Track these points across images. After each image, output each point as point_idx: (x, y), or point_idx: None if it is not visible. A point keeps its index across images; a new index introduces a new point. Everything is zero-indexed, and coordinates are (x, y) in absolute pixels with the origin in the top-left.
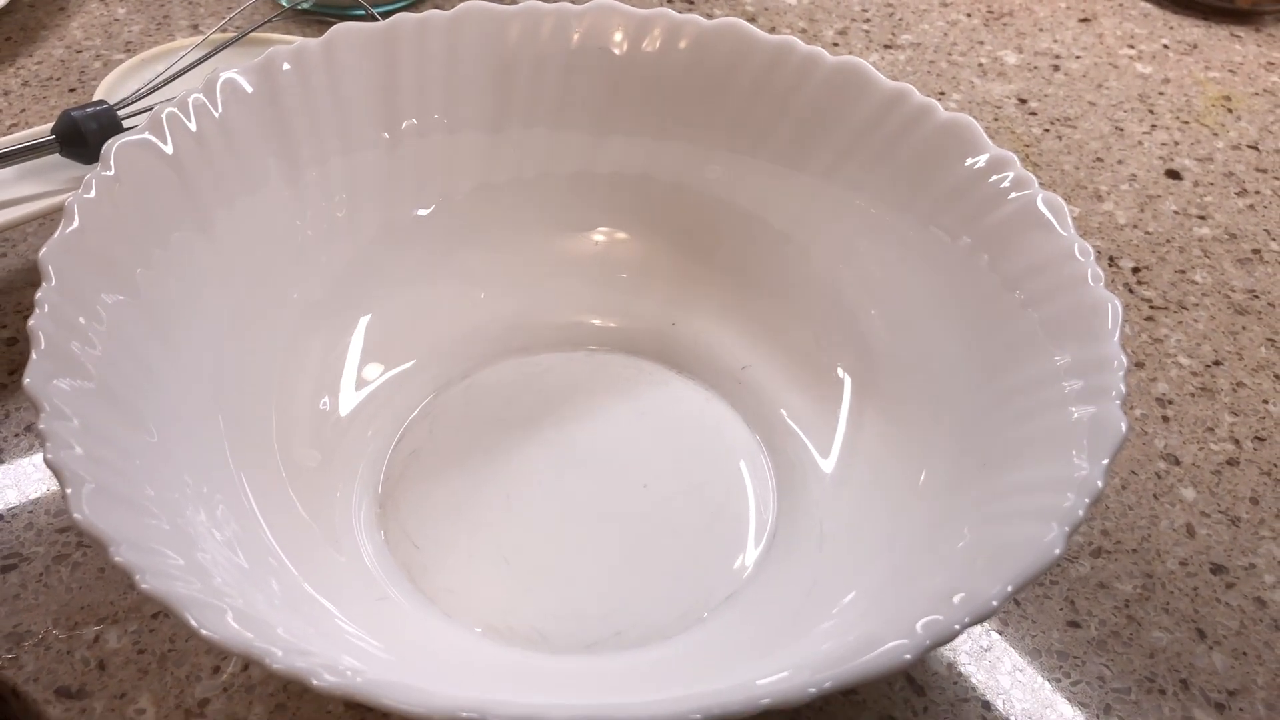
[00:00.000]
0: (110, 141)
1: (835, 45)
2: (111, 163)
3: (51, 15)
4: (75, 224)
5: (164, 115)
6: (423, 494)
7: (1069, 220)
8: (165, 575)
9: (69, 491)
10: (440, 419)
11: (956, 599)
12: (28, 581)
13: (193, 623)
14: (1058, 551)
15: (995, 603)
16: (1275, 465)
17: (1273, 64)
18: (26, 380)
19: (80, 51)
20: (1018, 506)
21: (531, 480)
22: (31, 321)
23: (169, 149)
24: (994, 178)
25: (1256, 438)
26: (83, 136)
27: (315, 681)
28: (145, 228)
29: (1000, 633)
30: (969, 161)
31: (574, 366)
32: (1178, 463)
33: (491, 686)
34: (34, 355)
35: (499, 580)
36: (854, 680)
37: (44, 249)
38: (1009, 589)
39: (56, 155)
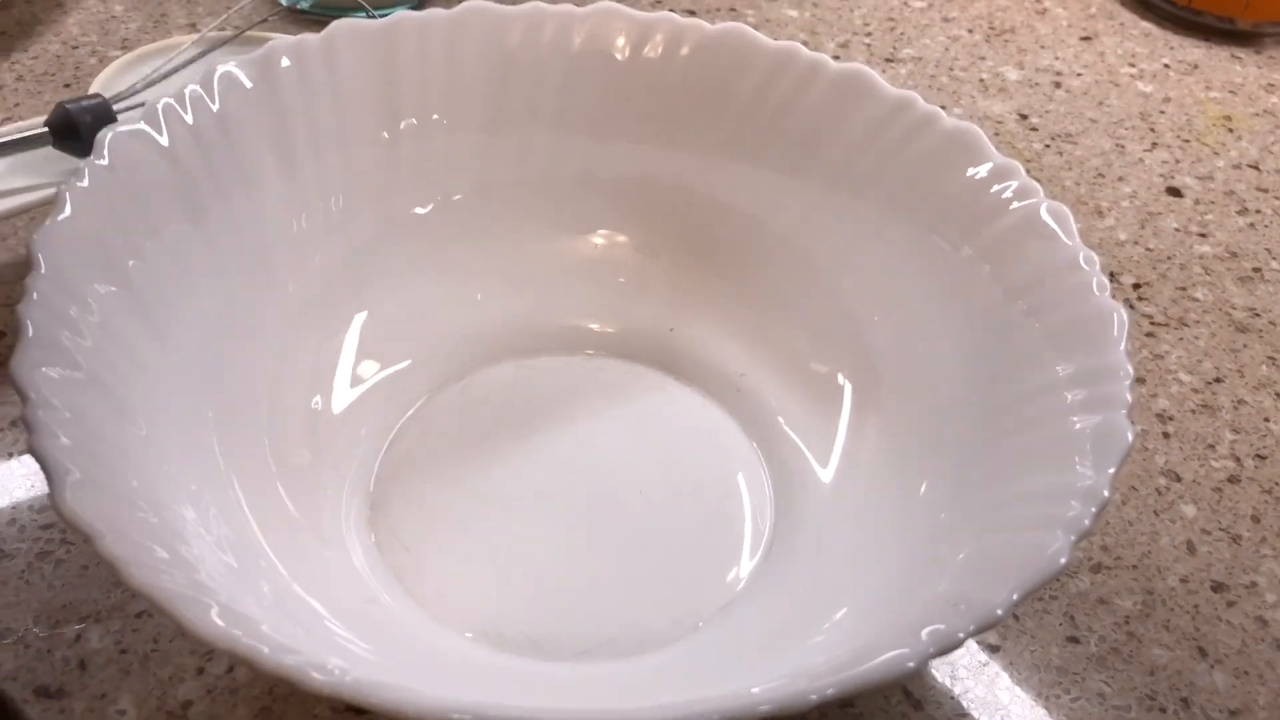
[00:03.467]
0: (104, 131)
1: (836, 59)
2: (105, 152)
3: (48, 11)
4: (67, 212)
5: (160, 107)
6: (415, 496)
7: (1074, 229)
8: (152, 569)
9: (54, 481)
10: (435, 420)
11: (960, 607)
12: (9, 578)
13: (182, 618)
14: (1063, 560)
15: (1000, 611)
16: (1276, 483)
17: (1273, 85)
18: (13, 367)
19: (76, 48)
20: (1022, 515)
21: (525, 484)
22: (20, 307)
23: (165, 141)
24: (996, 187)
25: (1258, 455)
26: (76, 129)
27: (304, 679)
28: (139, 219)
29: (999, 648)
30: (972, 170)
31: (571, 370)
32: (1178, 479)
33: (482, 691)
34: (21, 342)
35: (490, 585)
36: (856, 688)
37: (35, 236)
38: (1014, 597)
39: (49, 148)
